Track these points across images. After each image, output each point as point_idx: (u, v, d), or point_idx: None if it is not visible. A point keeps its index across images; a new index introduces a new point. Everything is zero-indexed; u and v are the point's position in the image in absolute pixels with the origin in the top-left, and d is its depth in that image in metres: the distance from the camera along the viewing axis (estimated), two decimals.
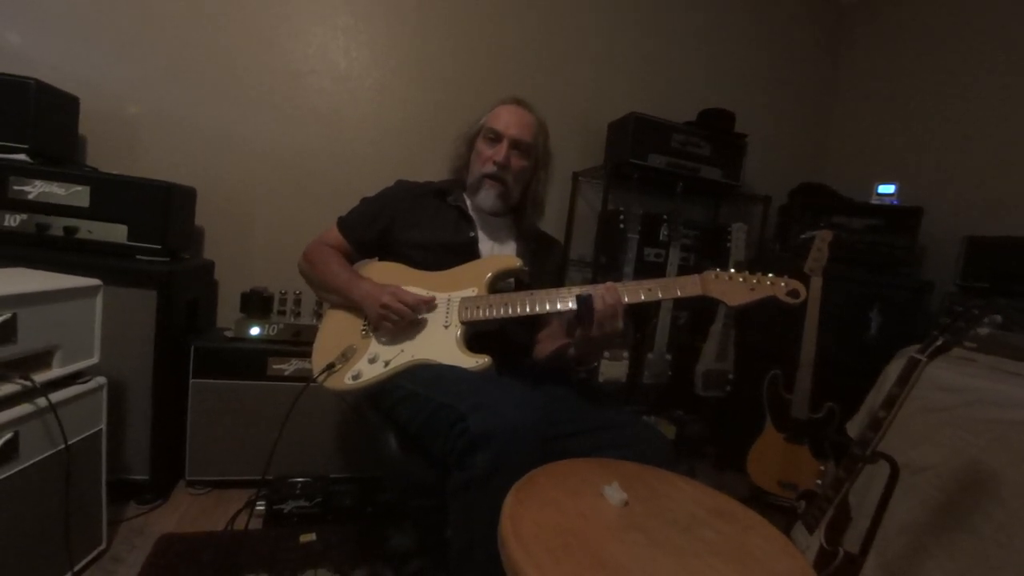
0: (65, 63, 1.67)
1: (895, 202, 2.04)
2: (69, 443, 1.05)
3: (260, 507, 1.46)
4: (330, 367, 1.09)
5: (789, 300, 0.90)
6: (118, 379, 1.33)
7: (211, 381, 1.53)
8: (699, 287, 0.94)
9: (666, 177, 2.09)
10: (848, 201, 2.14)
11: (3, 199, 1.35)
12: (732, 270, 0.95)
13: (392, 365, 1.04)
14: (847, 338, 1.85)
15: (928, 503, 1.20)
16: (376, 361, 1.07)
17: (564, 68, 2.24)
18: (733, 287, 0.93)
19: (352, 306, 1.16)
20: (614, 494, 0.72)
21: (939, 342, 1.04)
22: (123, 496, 1.42)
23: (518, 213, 1.28)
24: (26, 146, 1.40)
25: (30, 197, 1.37)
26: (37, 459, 1.00)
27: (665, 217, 2.06)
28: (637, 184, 2.07)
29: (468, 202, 1.25)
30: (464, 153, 1.26)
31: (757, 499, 1.65)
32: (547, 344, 1.19)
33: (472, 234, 1.21)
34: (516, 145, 1.19)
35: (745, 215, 2.41)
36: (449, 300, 1.10)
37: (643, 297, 0.96)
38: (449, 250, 1.17)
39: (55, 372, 1.06)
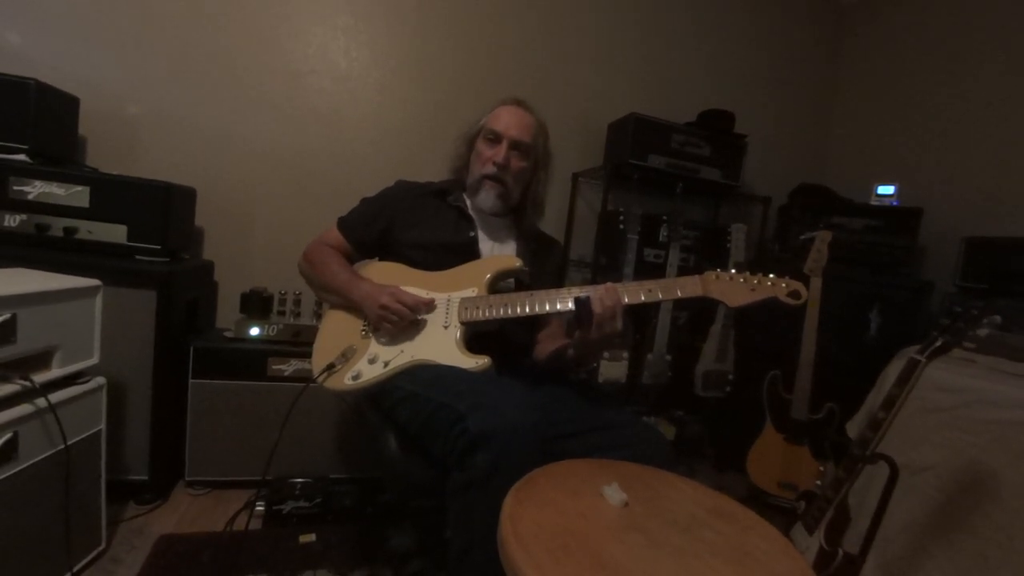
0: (65, 63, 1.67)
1: (895, 203, 2.04)
2: (69, 443, 1.05)
3: (260, 507, 1.46)
4: (330, 367, 1.09)
5: (790, 301, 0.90)
6: (118, 379, 1.33)
7: (211, 381, 1.53)
8: (700, 288, 0.94)
9: (666, 178, 2.09)
10: (848, 202, 2.14)
11: (3, 199, 1.35)
12: (733, 271, 0.94)
13: (392, 365, 1.04)
14: (847, 338, 1.86)
15: (928, 504, 1.20)
16: (376, 361, 1.07)
17: (564, 68, 2.24)
18: (734, 288, 0.93)
19: (352, 306, 1.16)
20: (614, 495, 0.72)
21: (939, 343, 1.05)
22: (122, 496, 1.42)
23: (518, 213, 1.28)
24: (26, 146, 1.40)
25: (30, 197, 1.37)
26: (37, 459, 1.00)
27: (665, 218, 2.06)
28: (637, 184, 2.07)
29: (468, 202, 1.25)
30: (464, 153, 1.26)
31: (757, 500, 1.65)
32: (547, 344, 1.19)
33: (472, 234, 1.21)
34: (516, 146, 1.19)
35: (745, 216, 2.41)
36: (449, 300, 1.10)
37: (643, 298, 0.96)
38: (449, 250, 1.17)
39: (55, 372, 1.06)
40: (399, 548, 1.37)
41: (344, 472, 1.65)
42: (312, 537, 1.40)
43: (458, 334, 1.05)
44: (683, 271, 1.92)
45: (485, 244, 1.22)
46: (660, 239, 2.07)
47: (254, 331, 1.62)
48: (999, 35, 2.01)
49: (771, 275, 0.93)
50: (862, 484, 1.20)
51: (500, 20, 2.13)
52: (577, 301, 0.96)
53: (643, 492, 0.76)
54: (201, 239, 1.87)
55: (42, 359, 1.05)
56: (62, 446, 1.03)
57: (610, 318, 0.93)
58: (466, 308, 1.07)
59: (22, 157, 1.40)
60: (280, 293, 1.69)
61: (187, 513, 1.47)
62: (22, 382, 0.96)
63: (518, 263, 1.13)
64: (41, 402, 0.99)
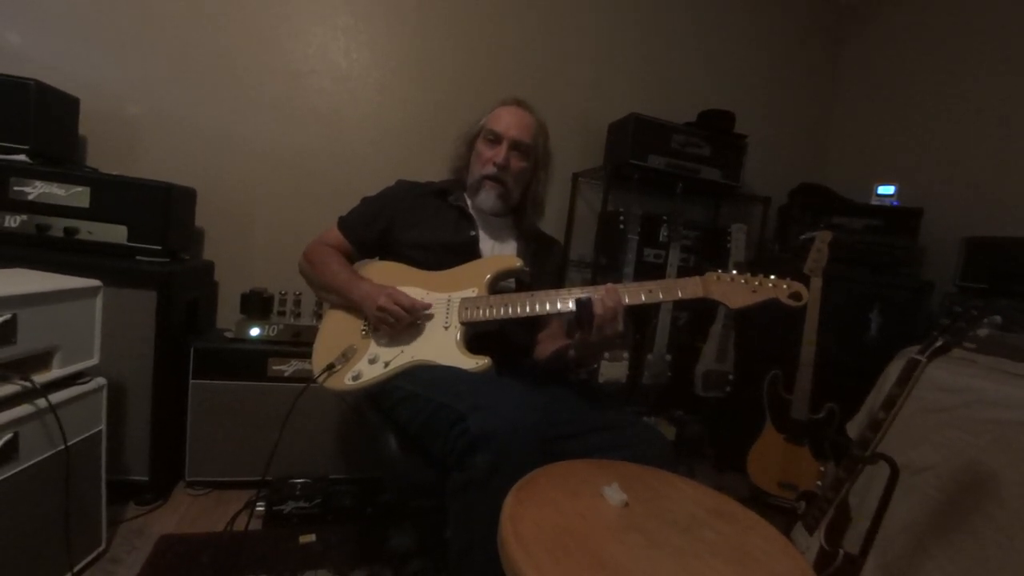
0: (65, 63, 1.67)
1: (895, 203, 2.05)
2: (69, 444, 1.05)
3: (260, 508, 1.46)
4: (330, 367, 1.09)
5: (791, 303, 0.90)
6: (118, 380, 1.33)
7: (211, 382, 1.53)
8: (700, 289, 0.94)
9: (666, 178, 2.09)
10: (848, 202, 2.14)
11: (3, 200, 1.35)
12: (734, 271, 0.94)
13: (392, 366, 1.04)
14: (847, 339, 1.85)
15: (928, 504, 1.20)
16: (376, 361, 1.07)
17: (564, 68, 2.24)
18: (735, 289, 0.93)
19: (352, 306, 1.16)
20: (614, 495, 0.72)
21: (939, 343, 1.04)
22: (123, 497, 1.42)
23: (518, 213, 1.28)
24: (26, 147, 1.40)
25: (30, 198, 1.37)
26: (37, 460, 1.00)
27: (665, 218, 2.06)
28: (637, 185, 2.07)
29: (469, 202, 1.25)
30: (464, 154, 1.26)
31: (757, 500, 1.65)
32: (547, 345, 1.19)
33: (473, 233, 1.21)
34: (516, 146, 1.19)
35: (745, 216, 2.41)
36: (449, 300, 1.10)
37: (644, 299, 0.96)
38: (449, 250, 1.17)
39: (55, 373, 1.06)
40: (399, 548, 1.37)
41: (344, 472, 1.65)
42: (312, 537, 1.40)
43: (458, 334, 1.05)
44: (683, 271, 1.92)
45: (486, 244, 1.22)
46: (660, 239, 2.07)
47: (254, 331, 1.62)
48: (999, 35, 2.01)
49: (772, 276, 0.93)
50: (862, 484, 1.20)
51: (500, 20, 2.13)
52: (578, 303, 0.95)
53: (643, 492, 0.76)
54: (201, 239, 1.87)
55: (42, 359, 1.05)
56: (62, 446, 1.03)
57: (611, 319, 0.93)
58: (466, 308, 1.07)
59: (22, 157, 1.40)
60: (280, 293, 1.69)
61: (187, 513, 1.47)
62: (22, 382, 0.96)
63: (519, 263, 1.13)
64: (41, 402, 0.99)
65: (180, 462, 1.54)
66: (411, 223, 1.21)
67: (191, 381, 1.52)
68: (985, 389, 1.18)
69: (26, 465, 0.98)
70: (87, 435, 1.14)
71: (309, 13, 1.91)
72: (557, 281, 1.34)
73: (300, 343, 1.61)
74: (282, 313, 1.69)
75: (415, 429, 0.96)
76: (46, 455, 1.02)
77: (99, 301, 1.15)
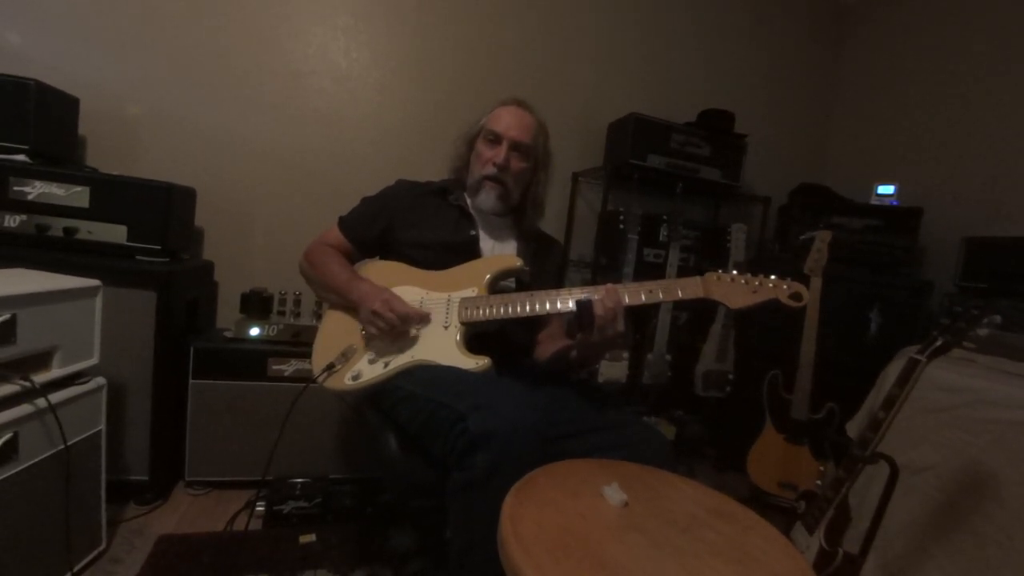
0: (65, 63, 1.67)
1: (895, 202, 2.05)
2: (69, 443, 1.05)
3: (260, 508, 1.46)
4: (330, 367, 1.09)
5: (791, 303, 0.90)
6: (118, 380, 1.32)
7: (211, 382, 1.53)
8: (700, 289, 0.94)
9: (666, 177, 2.09)
10: (848, 201, 2.14)
11: (3, 199, 1.35)
12: (734, 272, 0.94)
13: (392, 365, 1.04)
14: (847, 338, 1.86)
15: (928, 504, 1.20)
16: (376, 361, 1.07)
17: (564, 68, 2.24)
18: (735, 289, 0.93)
19: (351, 306, 1.16)
20: (614, 495, 0.72)
21: (939, 342, 1.04)
22: (122, 497, 1.42)
23: (518, 213, 1.28)
24: (26, 146, 1.40)
25: (30, 198, 1.37)
26: (37, 459, 1.00)
27: (665, 218, 2.06)
28: (637, 184, 2.07)
29: (469, 201, 1.25)
30: (464, 154, 1.26)
31: (757, 499, 1.65)
32: (547, 345, 1.19)
33: (473, 232, 1.21)
34: (516, 147, 1.18)
35: (745, 215, 2.41)
36: (449, 300, 1.10)
37: (644, 299, 0.96)
38: (449, 249, 1.17)
39: (55, 373, 1.06)
40: (399, 548, 1.37)
41: (344, 472, 1.65)
42: (312, 537, 1.40)
43: (458, 334, 1.05)
44: (683, 271, 1.93)
45: (486, 243, 1.22)
46: (660, 239, 2.07)
47: (254, 331, 1.62)
48: (999, 35, 2.01)
49: (772, 276, 0.93)
50: (862, 484, 1.20)
51: (500, 20, 2.13)
52: (578, 304, 0.95)
53: (643, 492, 0.76)
54: (201, 239, 1.87)
55: (42, 359, 1.05)
56: (62, 446, 1.03)
57: (612, 320, 0.93)
58: (466, 308, 1.07)
59: (22, 157, 1.40)
60: (280, 293, 1.69)
61: (187, 513, 1.47)
62: (22, 382, 0.96)
63: (519, 263, 1.13)
64: (41, 402, 0.99)
65: (180, 462, 1.54)
66: (411, 222, 1.21)
67: (191, 381, 1.52)
68: (985, 389, 1.18)
69: (26, 465, 0.97)
70: (87, 435, 1.14)
71: (309, 13, 1.91)
72: (557, 281, 1.34)
73: (300, 343, 1.61)
74: (282, 313, 1.69)
75: (415, 429, 0.96)
76: (46, 455, 1.02)
77: (99, 301, 1.15)
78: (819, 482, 1.38)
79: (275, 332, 1.63)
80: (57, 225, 1.38)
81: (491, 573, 0.66)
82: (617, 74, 2.31)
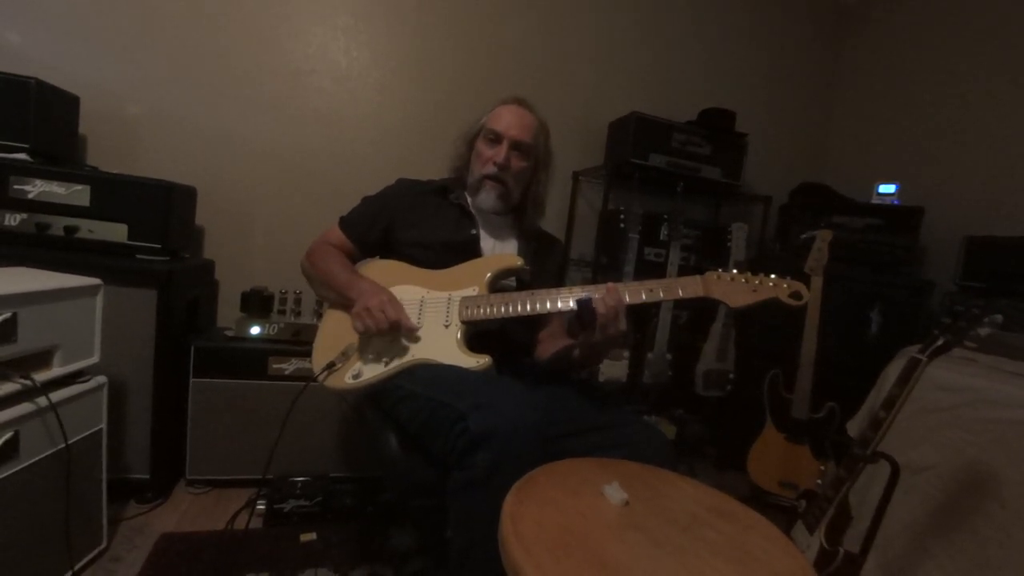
0: (65, 63, 1.67)
1: (895, 202, 2.04)
2: (69, 442, 1.05)
3: (260, 506, 1.46)
4: (330, 366, 1.09)
5: (792, 302, 0.90)
6: (118, 378, 1.33)
7: (211, 380, 1.53)
8: (701, 288, 0.94)
9: (667, 177, 2.09)
10: (849, 201, 2.14)
11: (3, 198, 1.35)
12: (734, 271, 0.94)
13: (392, 364, 1.04)
14: (847, 338, 1.85)
15: (928, 503, 1.20)
16: (377, 360, 1.07)
17: (564, 68, 2.23)
18: (735, 288, 0.93)
19: (350, 305, 1.16)
20: (614, 494, 0.72)
21: (940, 342, 1.04)
22: (123, 495, 1.42)
23: (519, 212, 1.28)
24: (26, 145, 1.40)
25: (30, 196, 1.37)
26: (37, 458, 1.00)
27: (665, 217, 2.06)
28: (637, 184, 2.07)
29: (469, 200, 1.25)
30: (464, 153, 1.26)
31: (757, 499, 1.65)
32: (548, 344, 1.19)
33: (473, 232, 1.21)
34: (516, 146, 1.18)
35: (745, 215, 2.41)
36: (449, 299, 1.10)
37: (644, 298, 0.96)
38: (450, 248, 1.17)
39: (55, 371, 1.06)
40: (400, 547, 1.37)
41: (345, 471, 1.65)
42: (313, 536, 1.40)
43: (459, 333, 1.05)
44: (684, 270, 1.93)
45: (486, 242, 1.22)
46: (661, 238, 2.07)
47: (255, 330, 1.62)
48: (999, 35, 2.01)
49: (773, 276, 0.93)
50: (863, 483, 1.20)
51: (500, 20, 2.13)
52: (580, 303, 0.95)
53: (644, 491, 0.76)
54: (201, 238, 1.87)
55: (43, 358, 1.05)
56: (63, 445, 1.03)
57: (613, 319, 0.93)
58: (467, 307, 1.07)
59: (22, 156, 1.40)
60: (281, 292, 1.69)
61: (188, 512, 1.47)
62: (23, 381, 0.96)
63: (519, 262, 1.13)
64: (42, 401, 0.99)
65: (181, 460, 1.54)
66: (412, 222, 1.21)
67: (191, 379, 1.52)
68: (986, 388, 1.18)
69: (27, 464, 0.98)
70: (87, 433, 1.14)
71: (309, 13, 1.91)
72: (558, 280, 1.34)
73: (300, 342, 1.61)
74: (282, 312, 1.69)
75: (415, 428, 0.96)
76: (47, 454, 1.02)
77: (99, 300, 1.15)
78: (819, 481, 1.38)
79: (275, 331, 1.63)
80: (58, 224, 1.38)
81: (491, 572, 0.66)
82: (617, 73, 2.31)
